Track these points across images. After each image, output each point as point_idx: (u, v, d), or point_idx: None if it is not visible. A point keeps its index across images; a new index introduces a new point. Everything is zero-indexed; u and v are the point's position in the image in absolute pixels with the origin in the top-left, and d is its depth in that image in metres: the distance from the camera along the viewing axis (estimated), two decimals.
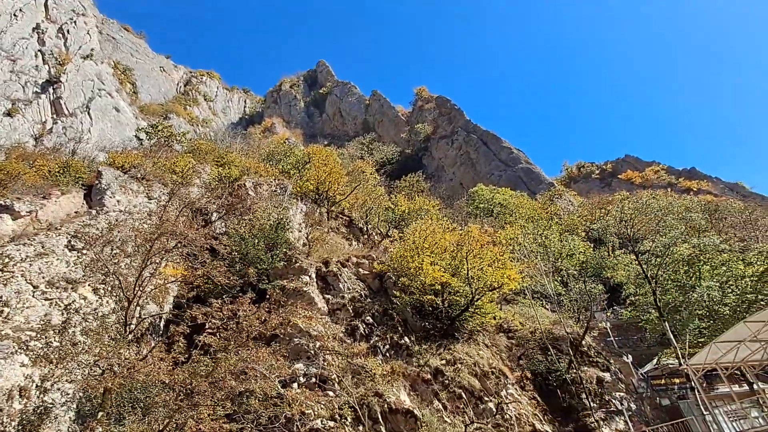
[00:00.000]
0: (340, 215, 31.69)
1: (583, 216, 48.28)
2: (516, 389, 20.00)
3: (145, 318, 15.62)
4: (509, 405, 18.40)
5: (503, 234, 32.12)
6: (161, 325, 17.52)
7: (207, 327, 13.95)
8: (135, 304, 13.58)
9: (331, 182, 30.90)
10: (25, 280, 14.94)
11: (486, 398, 18.38)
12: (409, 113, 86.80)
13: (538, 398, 20.46)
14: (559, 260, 31.75)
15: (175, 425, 11.19)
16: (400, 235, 26.84)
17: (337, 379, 16.26)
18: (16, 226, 17.62)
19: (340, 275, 21.99)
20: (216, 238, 21.20)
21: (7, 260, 15.14)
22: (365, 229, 31.34)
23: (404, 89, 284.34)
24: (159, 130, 36.09)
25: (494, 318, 23.07)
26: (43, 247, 16.44)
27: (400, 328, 20.39)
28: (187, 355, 13.05)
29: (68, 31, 73.10)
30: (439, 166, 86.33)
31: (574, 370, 21.12)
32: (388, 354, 18.98)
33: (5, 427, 11.33)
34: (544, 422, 18.84)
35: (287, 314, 17.64)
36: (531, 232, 33.70)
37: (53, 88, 62.01)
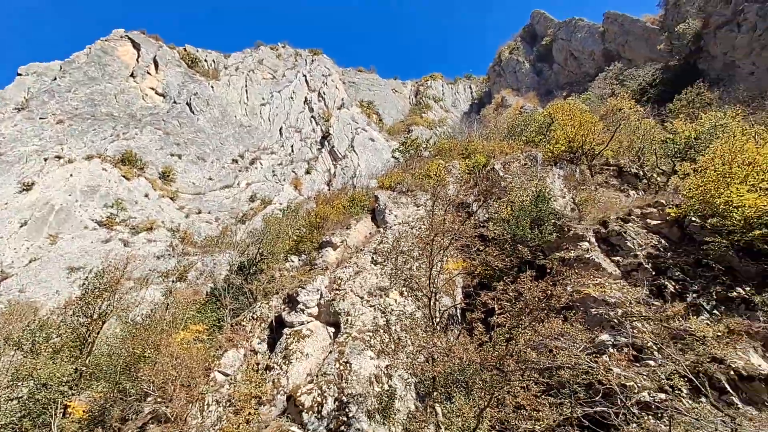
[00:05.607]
0: (605, 168, 27.90)
1: None
2: None
3: (444, 310, 17.66)
4: None
5: None
6: (458, 314, 19.42)
7: (497, 309, 14.72)
8: (433, 300, 15.53)
9: (584, 134, 27.82)
10: (354, 293, 19.18)
11: None
12: (661, 18, 67.51)
13: None
14: None
15: (496, 401, 12.15)
16: (694, 167, 21.42)
17: (655, 347, 14.35)
18: (337, 254, 22.90)
19: (625, 233, 19.41)
20: (483, 226, 22.20)
21: (339, 281, 19.84)
22: (641, 173, 26.66)
23: None
24: (408, 146, 40.64)
25: None
26: (357, 266, 20.82)
27: (724, 279, 16.35)
28: (488, 336, 14.13)
29: (324, 93, 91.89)
30: (726, 63, 65.18)
31: None
32: (716, 312, 15.53)
33: (371, 403, 14.67)
34: None
35: (574, 285, 16.75)
36: None
37: (327, 141, 79.03)
